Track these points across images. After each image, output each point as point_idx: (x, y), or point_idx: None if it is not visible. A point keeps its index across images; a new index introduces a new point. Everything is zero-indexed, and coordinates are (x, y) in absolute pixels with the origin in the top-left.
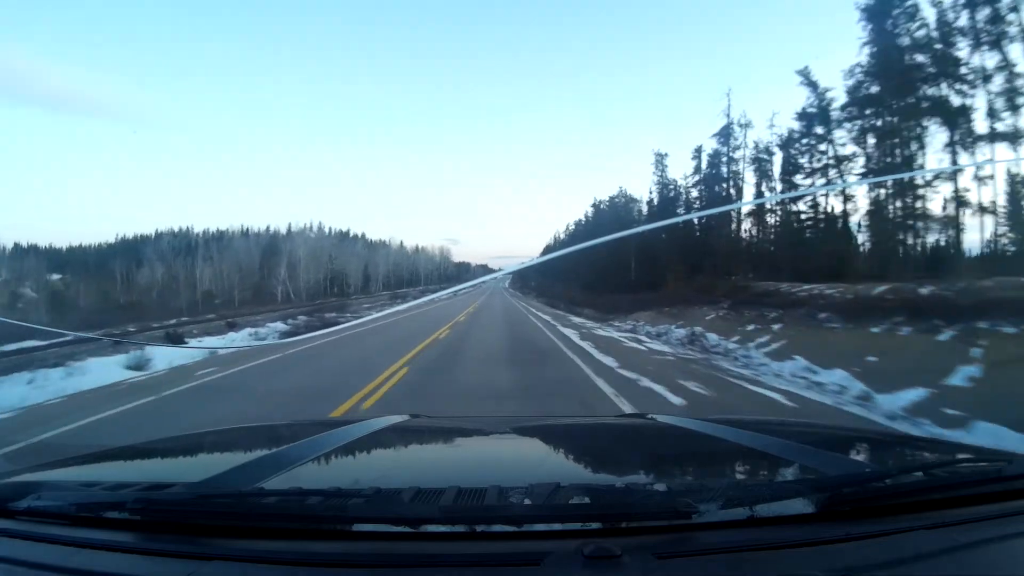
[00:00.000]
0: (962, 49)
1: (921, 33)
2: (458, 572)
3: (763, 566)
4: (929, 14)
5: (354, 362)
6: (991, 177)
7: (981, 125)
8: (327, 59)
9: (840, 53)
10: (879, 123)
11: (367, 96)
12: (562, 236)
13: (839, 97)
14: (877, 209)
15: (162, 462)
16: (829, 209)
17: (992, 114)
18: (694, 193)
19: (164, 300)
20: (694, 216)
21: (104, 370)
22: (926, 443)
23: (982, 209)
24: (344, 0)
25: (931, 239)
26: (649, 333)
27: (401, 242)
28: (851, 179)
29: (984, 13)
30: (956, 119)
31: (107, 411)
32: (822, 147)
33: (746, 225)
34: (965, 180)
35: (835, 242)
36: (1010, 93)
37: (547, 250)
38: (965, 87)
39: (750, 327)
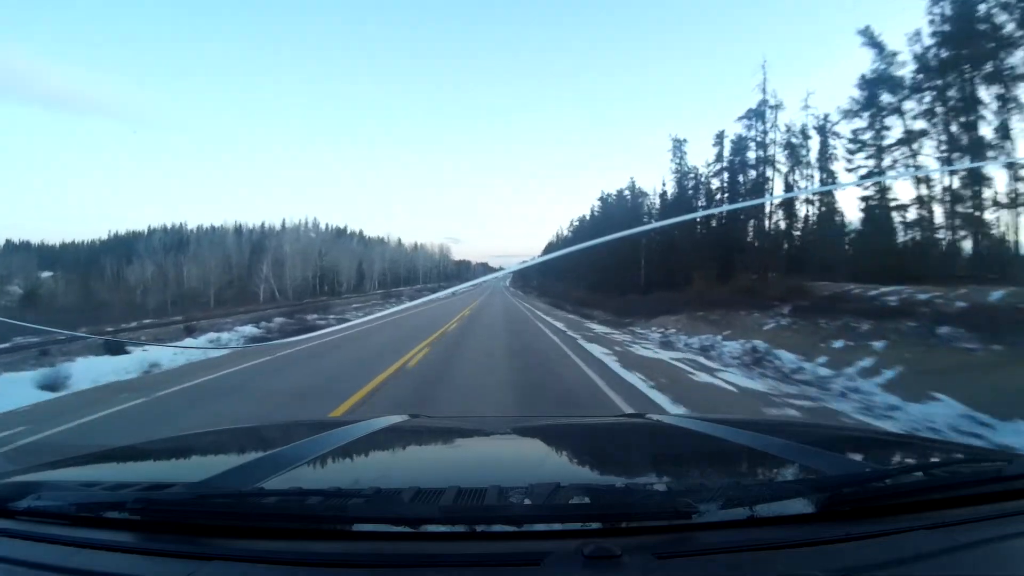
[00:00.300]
0: None
1: None
2: (458, 572)
3: (763, 566)
4: None
5: (297, 393)
6: None
7: None
8: (327, 57)
9: (884, 21)
10: (952, 94)
11: (368, 94)
12: (565, 233)
13: (905, 69)
14: (954, 198)
15: (162, 462)
16: (898, 198)
17: None
18: (716, 183)
19: (144, 299)
20: (701, 215)
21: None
22: (926, 443)
23: None
24: None
25: None
26: (690, 346)
27: (399, 239)
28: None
29: None
30: None
31: None
32: (889, 121)
33: (774, 218)
34: None
35: (884, 237)
36: None
37: (549, 248)
38: None
39: (836, 343)
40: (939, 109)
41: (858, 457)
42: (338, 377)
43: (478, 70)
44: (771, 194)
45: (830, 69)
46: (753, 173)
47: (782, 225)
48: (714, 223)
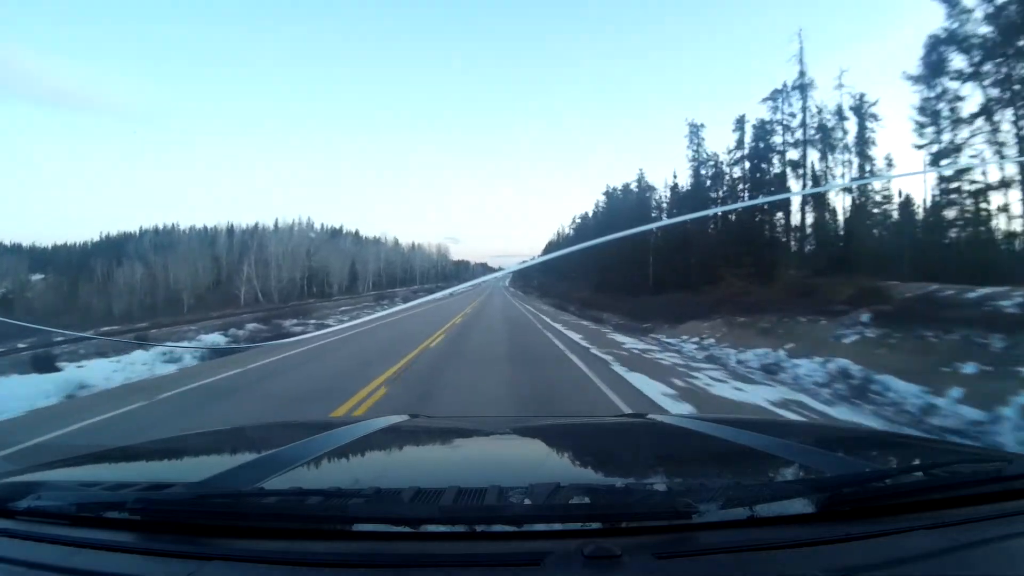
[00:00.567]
0: None
1: None
2: (458, 572)
3: (763, 566)
4: None
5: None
6: None
7: None
8: (323, 54)
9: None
10: None
11: (365, 92)
12: (567, 231)
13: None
14: None
15: (162, 462)
16: (980, 181)
17: None
18: (736, 172)
19: (120, 304)
20: (720, 210)
21: None
22: (926, 443)
23: None
24: None
25: None
26: (746, 364)
27: (395, 239)
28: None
29: None
30: None
31: None
32: (964, 90)
33: (805, 211)
34: None
35: (967, 231)
36: None
37: (550, 247)
38: None
39: (965, 367)
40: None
41: (858, 457)
42: (304, 398)
43: (475, 62)
44: (806, 181)
45: (866, 43)
46: (777, 160)
47: (810, 218)
48: (733, 217)
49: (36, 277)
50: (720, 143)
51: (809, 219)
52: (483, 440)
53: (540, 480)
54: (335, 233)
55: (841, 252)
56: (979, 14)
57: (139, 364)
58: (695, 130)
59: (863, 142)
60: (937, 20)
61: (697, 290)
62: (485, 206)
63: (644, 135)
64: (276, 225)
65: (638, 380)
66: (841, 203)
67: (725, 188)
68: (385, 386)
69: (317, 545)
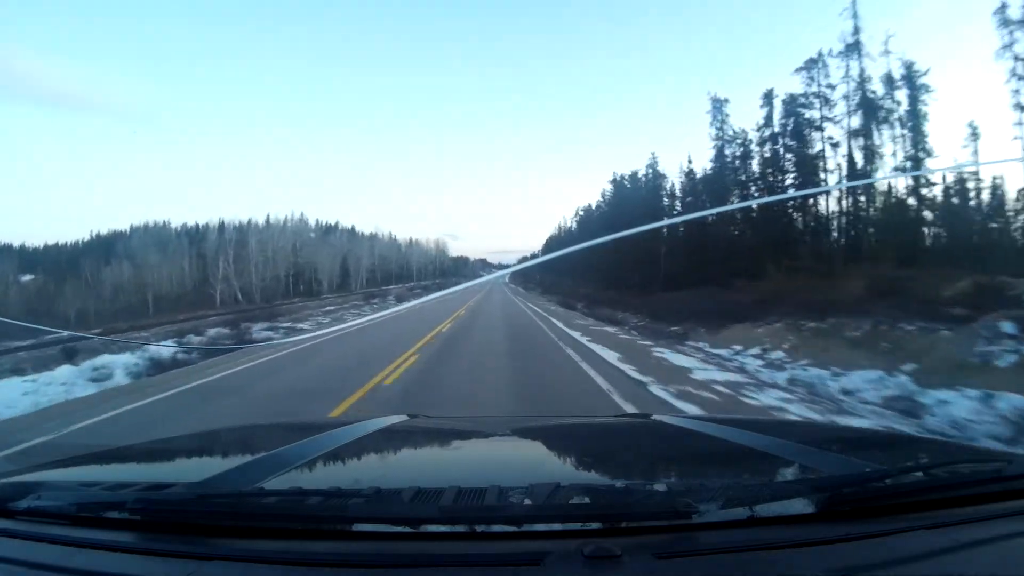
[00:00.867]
0: None
1: None
2: (458, 572)
3: (763, 566)
4: None
5: None
6: None
7: None
8: (318, 47)
9: None
10: None
11: (360, 87)
12: (570, 224)
13: None
14: None
15: (162, 462)
16: None
17: None
18: (765, 151)
19: (97, 304)
20: (745, 204)
21: None
22: (926, 443)
23: None
24: None
25: None
26: (861, 397)
27: (391, 234)
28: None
29: None
30: None
31: None
32: None
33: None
34: None
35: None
36: None
37: (551, 242)
38: None
39: None
40: None
41: (858, 457)
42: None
43: (471, 41)
44: (857, 162)
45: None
46: (817, 136)
47: (839, 206)
48: (754, 209)
49: (26, 278)
50: (744, 122)
51: (838, 206)
52: (483, 440)
53: (540, 480)
54: (329, 229)
55: (909, 242)
56: None
57: (58, 384)
58: (718, 105)
59: (916, 116)
60: None
61: (725, 285)
62: (484, 202)
63: (652, 120)
64: (268, 221)
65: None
66: (887, 191)
67: (755, 169)
68: (386, 380)
69: (317, 545)
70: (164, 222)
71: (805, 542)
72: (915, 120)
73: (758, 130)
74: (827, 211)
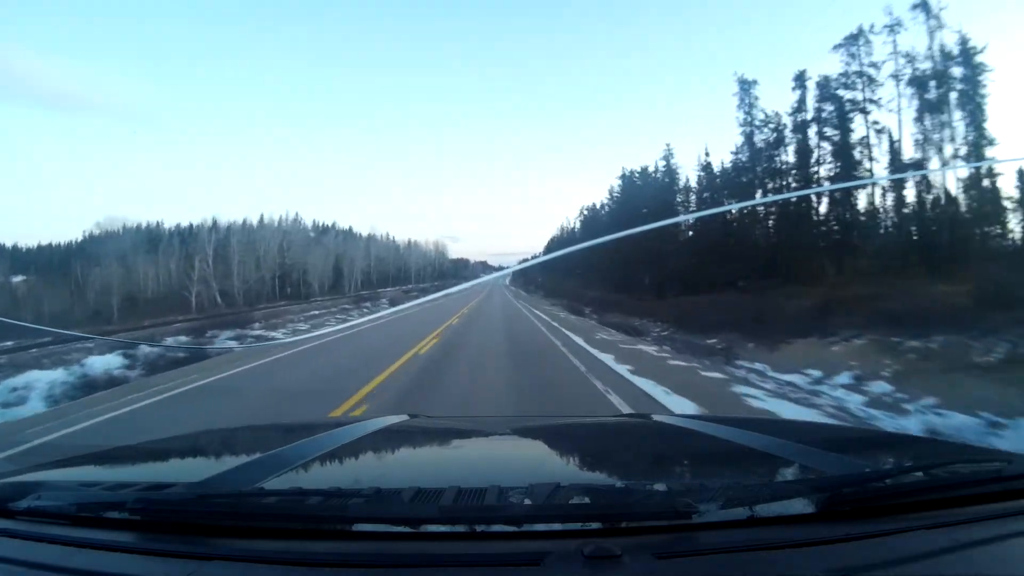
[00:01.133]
0: None
1: None
2: (458, 572)
3: (763, 566)
4: None
5: None
6: None
7: None
8: (315, 44)
9: None
10: None
11: (360, 88)
12: (573, 225)
13: None
14: None
15: (162, 462)
16: None
17: None
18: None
19: (65, 307)
20: (775, 199)
21: None
22: (926, 443)
23: None
24: None
25: None
26: None
27: (387, 234)
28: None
29: None
30: None
31: None
32: None
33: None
34: None
35: None
36: None
37: (552, 244)
38: None
39: None
40: None
41: (858, 457)
42: None
43: (468, 32)
44: (935, 151)
45: None
46: (862, 120)
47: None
48: (792, 203)
49: (18, 279)
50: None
51: (882, 199)
52: (483, 440)
53: (540, 480)
54: (324, 230)
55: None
56: None
57: None
58: (746, 87)
59: (976, 95)
60: None
61: (753, 289)
62: (484, 204)
63: (659, 116)
64: (262, 221)
65: None
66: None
67: (788, 159)
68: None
69: (317, 545)
70: (158, 223)
71: (805, 542)
72: (972, 103)
73: (791, 114)
74: (874, 204)
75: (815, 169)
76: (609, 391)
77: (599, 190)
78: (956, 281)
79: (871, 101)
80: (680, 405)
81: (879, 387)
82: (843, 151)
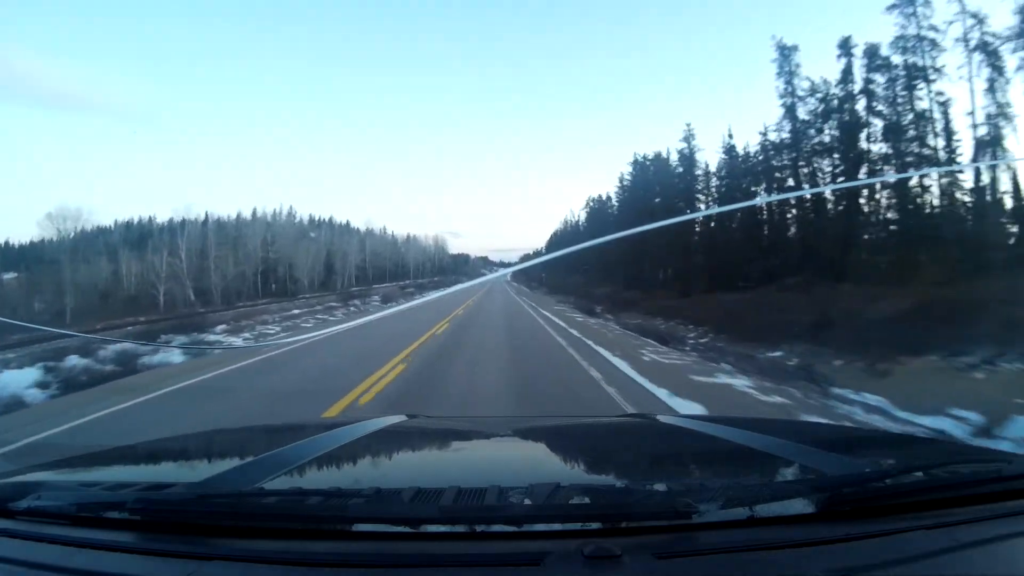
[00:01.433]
0: None
1: None
2: (458, 572)
3: (763, 566)
4: None
5: None
6: None
7: None
8: (313, 39)
9: None
10: None
11: (362, 86)
12: (577, 217)
13: None
14: None
15: (162, 462)
16: None
17: None
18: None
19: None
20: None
21: None
22: (926, 443)
23: None
24: None
25: None
26: None
27: (384, 229)
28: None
29: None
30: None
31: None
32: None
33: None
34: None
35: None
36: None
37: (554, 239)
38: None
39: None
40: None
41: (858, 457)
42: None
43: (474, 47)
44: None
45: None
46: (915, 93)
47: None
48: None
49: (8, 276)
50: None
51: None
52: (483, 440)
53: (540, 480)
54: (320, 224)
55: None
56: None
57: None
58: (786, 54)
59: None
60: None
61: (802, 288)
62: (486, 200)
63: (672, 100)
64: (254, 214)
65: None
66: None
67: (839, 131)
68: None
69: (317, 545)
70: (150, 217)
71: (805, 542)
72: None
73: (838, 85)
74: (952, 190)
75: (866, 148)
76: None
77: (603, 184)
78: None
79: (934, 69)
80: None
81: None
82: (896, 128)
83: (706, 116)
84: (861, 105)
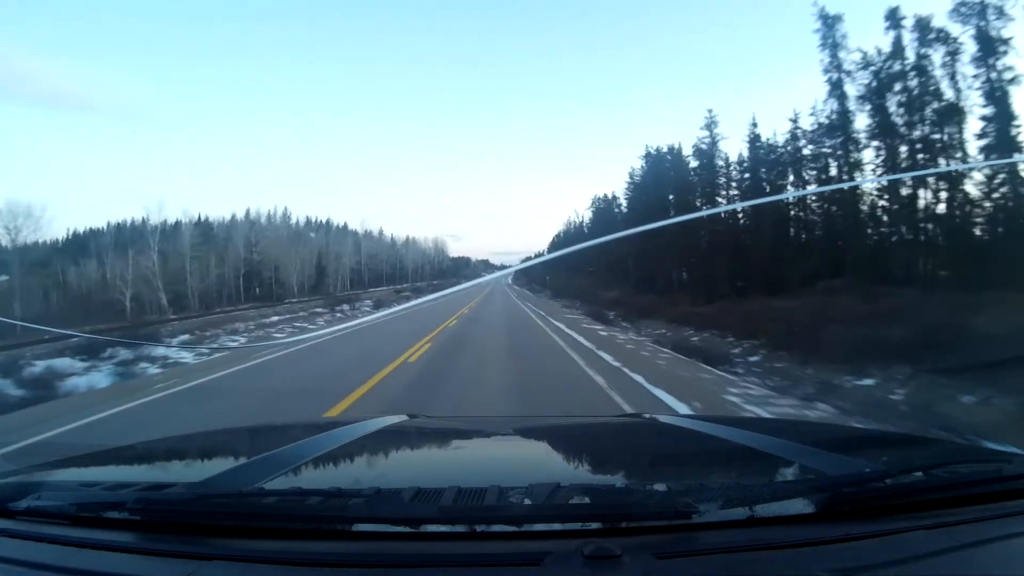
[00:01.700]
0: None
1: None
2: (458, 572)
3: (763, 566)
4: None
5: None
6: None
7: None
8: (312, 38)
9: None
10: None
11: (360, 85)
12: (581, 218)
13: None
14: None
15: (162, 462)
16: None
17: None
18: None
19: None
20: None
21: None
22: (926, 443)
23: None
24: None
25: None
26: None
27: (381, 230)
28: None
29: None
30: None
31: None
32: None
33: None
34: None
35: None
36: None
37: (557, 241)
38: None
39: None
40: None
41: (858, 457)
42: None
43: (475, 47)
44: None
45: None
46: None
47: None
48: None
49: (1, 278)
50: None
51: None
52: (483, 440)
53: (540, 480)
54: (319, 226)
55: None
56: None
57: None
58: (829, 24)
59: None
60: None
61: (865, 295)
62: (487, 204)
63: (669, 108)
64: (247, 215)
65: None
66: None
67: (904, 110)
68: None
69: (317, 545)
70: (143, 219)
71: (805, 542)
72: None
73: (887, 60)
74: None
75: (924, 131)
76: None
77: (608, 185)
78: None
79: (1001, 42)
80: None
81: None
82: (951, 108)
83: (719, 108)
84: (913, 85)
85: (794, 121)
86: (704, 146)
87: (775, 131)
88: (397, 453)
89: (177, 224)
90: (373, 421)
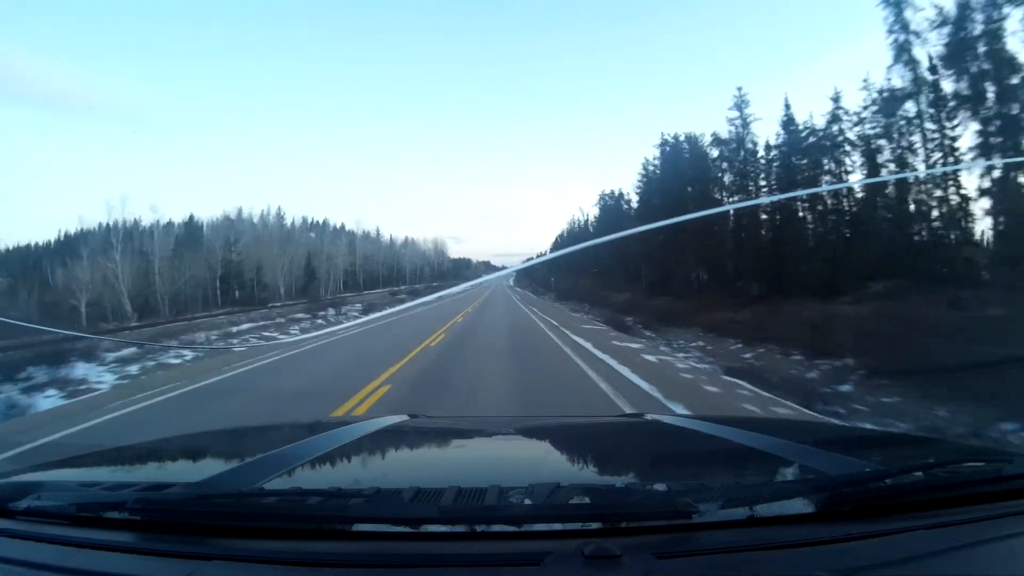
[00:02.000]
0: None
1: None
2: (458, 572)
3: (763, 566)
4: None
5: None
6: None
7: None
8: (312, 37)
9: None
10: None
11: (359, 86)
12: (587, 216)
13: None
14: None
15: (162, 462)
16: None
17: None
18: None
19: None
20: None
21: None
22: (926, 443)
23: None
24: None
25: None
26: None
27: (378, 231)
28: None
29: None
30: None
31: None
32: None
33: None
34: None
35: None
36: None
37: (560, 240)
38: None
39: None
40: None
41: (858, 457)
42: None
43: (476, 46)
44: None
45: None
46: None
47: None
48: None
49: None
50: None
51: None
52: (483, 440)
53: (540, 480)
54: (313, 226)
55: None
56: None
57: None
58: None
59: None
60: None
61: (957, 304)
62: (489, 205)
63: (672, 106)
64: (239, 214)
65: None
66: None
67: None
68: None
69: (317, 545)
70: (135, 220)
71: (805, 542)
72: None
73: (952, 26)
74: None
75: (1003, 109)
76: None
77: (614, 182)
78: None
79: None
80: None
81: None
82: None
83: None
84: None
85: (835, 101)
86: (734, 128)
87: (811, 113)
88: (397, 453)
89: (149, 224)
90: (373, 421)
